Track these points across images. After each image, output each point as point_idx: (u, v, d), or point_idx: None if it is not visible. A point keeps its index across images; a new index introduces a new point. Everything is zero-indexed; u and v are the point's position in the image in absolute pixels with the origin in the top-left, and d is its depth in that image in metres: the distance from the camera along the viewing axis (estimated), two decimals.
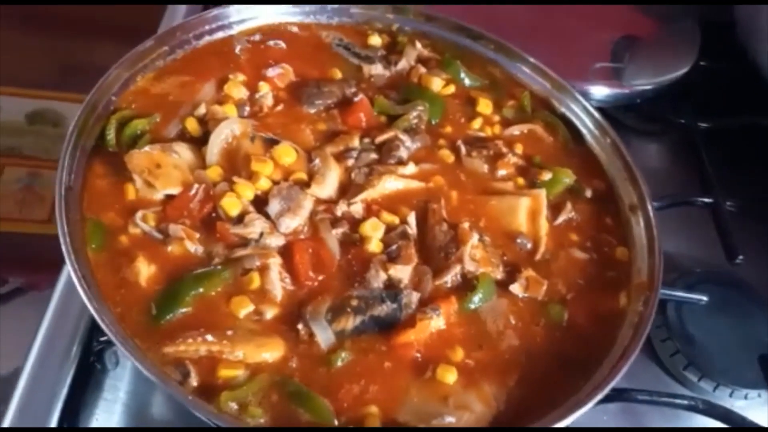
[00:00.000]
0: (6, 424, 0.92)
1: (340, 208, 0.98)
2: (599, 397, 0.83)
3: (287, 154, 0.99)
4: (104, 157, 0.97)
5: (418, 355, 0.88)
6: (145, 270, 0.87)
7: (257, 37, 1.18)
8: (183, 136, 1.02)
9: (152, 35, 1.08)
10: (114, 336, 0.76)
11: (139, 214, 0.91)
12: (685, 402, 1.05)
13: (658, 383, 1.14)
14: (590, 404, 0.82)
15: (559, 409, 0.84)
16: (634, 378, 1.08)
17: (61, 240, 0.82)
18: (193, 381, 0.80)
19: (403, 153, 1.07)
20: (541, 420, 0.82)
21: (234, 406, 0.78)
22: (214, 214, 0.94)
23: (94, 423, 0.97)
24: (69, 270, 0.80)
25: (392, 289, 0.91)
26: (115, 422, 0.97)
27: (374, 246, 0.95)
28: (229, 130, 1.00)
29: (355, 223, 0.97)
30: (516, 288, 0.95)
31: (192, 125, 1.02)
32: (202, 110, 1.04)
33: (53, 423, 0.93)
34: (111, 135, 0.98)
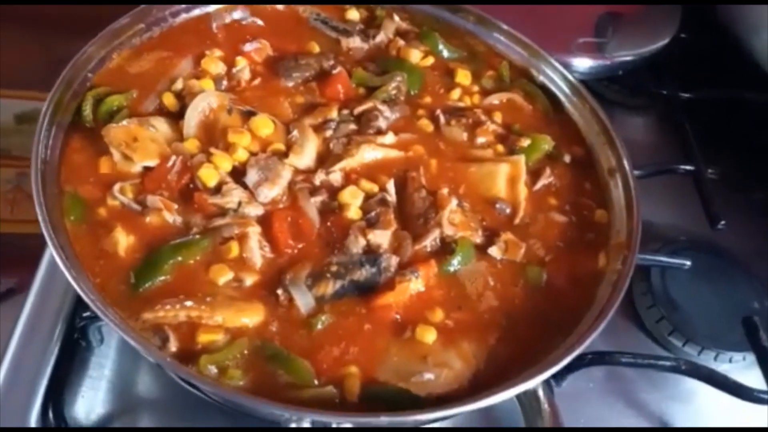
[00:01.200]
0: None
1: (319, 177, 0.98)
2: (577, 352, 0.83)
3: (264, 125, 1.00)
4: (81, 132, 0.98)
5: (398, 316, 0.88)
6: (123, 240, 0.87)
7: (235, 15, 1.18)
8: (161, 111, 1.02)
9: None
10: (93, 304, 0.76)
11: (117, 186, 0.91)
12: (668, 363, 1.06)
13: (645, 349, 1.15)
14: (568, 359, 0.83)
15: (537, 365, 0.84)
16: (620, 345, 1.09)
17: (38, 211, 0.82)
18: (172, 346, 0.80)
19: (381, 123, 1.07)
20: (519, 376, 0.82)
21: (213, 369, 0.79)
22: (191, 185, 0.94)
23: (80, 400, 0.98)
24: (47, 240, 0.80)
25: (371, 254, 0.92)
26: (100, 399, 0.98)
27: (353, 213, 0.95)
28: (206, 103, 1.00)
29: (333, 192, 0.97)
30: (494, 251, 0.96)
31: (169, 100, 1.02)
32: (179, 85, 1.04)
33: (38, 400, 0.94)
34: (87, 110, 0.98)
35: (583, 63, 1.39)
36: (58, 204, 0.87)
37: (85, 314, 0.97)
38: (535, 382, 0.81)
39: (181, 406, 0.97)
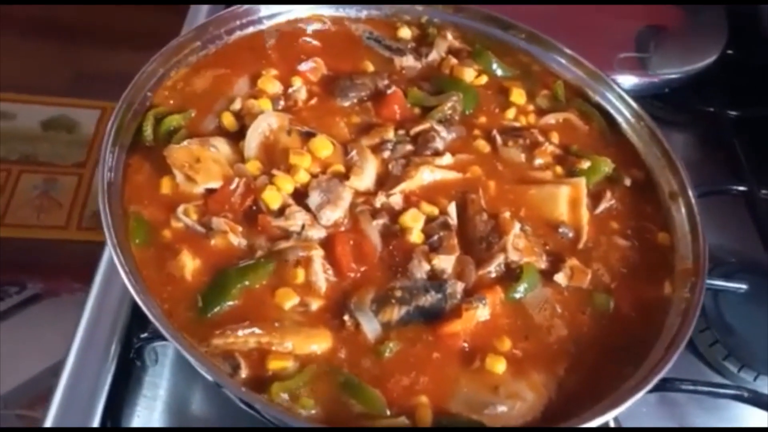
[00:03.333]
0: (48, 424, 0.91)
1: (379, 200, 0.97)
2: (652, 383, 0.82)
3: (324, 146, 0.99)
4: (142, 153, 0.97)
5: (465, 345, 0.87)
6: (190, 263, 0.86)
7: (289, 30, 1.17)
8: (219, 131, 1.01)
9: (168, 41, 1.06)
10: (164, 329, 0.75)
11: (181, 208, 0.90)
12: (730, 392, 1.04)
13: (697, 373, 1.12)
14: (643, 391, 0.81)
15: (609, 398, 0.82)
16: (672, 369, 1.07)
17: (106, 234, 0.81)
18: (243, 373, 0.79)
19: (438, 144, 1.06)
20: (591, 408, 0.81)
21: (285, 397, 0.78)
22: (254, 207, 0.93)
23: (136, 420, 0.97)
24: (117, 265, 0.80)
25: (436, 279, 0.90)
26: (156, 419, 0.97)
27: (415, 237, 0.94)
28: (266, 124, 1.00)
29: (394, 215, 0.96)
30: (560, 278, 0.94)
31: (228, 120, 1.01)
32: (237, 105, 1.03)
33: (96, 422, 0.93)
34: (148, 130, 0.97)
35: (627, 80, 1.37)
36: (123, 227, 0.87)
37: (142, 335, 0.96)
38: (610, 416, 0.80)
39: (236, 426, 0.96)
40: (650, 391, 1.00)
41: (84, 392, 0.94)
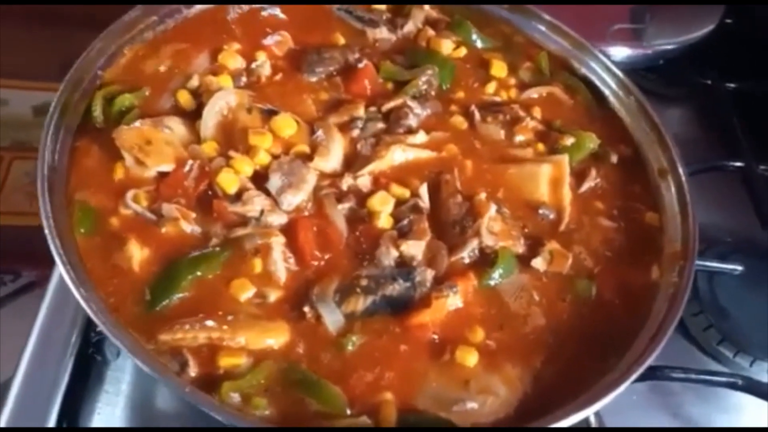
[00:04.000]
0: (2, 423, 0.86)
1: (346, 182, 0.91)
2: (634, 376, 0.76)
3: (287, 125, 0.92)
4: (91, 135, 0.91)
5: (435, 336, 0.81)
6: (137, 253, 0.81)
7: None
8: (176, 111, 0.95)
9: None
10: (104, 325, 0.70)
11: (130, 193, 0.84)
12: (724, 379, 0.98)
13: (691, 360, 1.07)
14: (625, 384, 0.76)
15: (591, 391, 0.77)
16: (663, 355, 1.00)
17: (45, 225, 0.76)
18: (192, 371, 0.74)
19: (412, 121, 0.99)
20: (572, 402, 0.75)
21: (237, 397, 0.72)
22: (210, 192, 0.87)
23: (96, 417, 0.92)
24: (55, 258, 0.74)
25: (404, 266, 0.84)
26: (118, 415, 0.92)
27: (384, 221, 0.88)
28: (224, 102, 0.93)
29: (362, 198, 0.90)
30: (539, 262, 0.88)
31: (184, 98, 0.95)
32: (195, 82, 0.97)
33: (52, 420, 0.88)
34: (97, 111, 0.91)
35: (620, 52, 1.30)
36: (67, 215, 0.81)
37: (98, 328, 0.91)
38: (590, 411, 0.74)
39: (204, 423, 0.91)
40: (639, 380, 0.95)
41: (41, 389, 0.90)
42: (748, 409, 1.03)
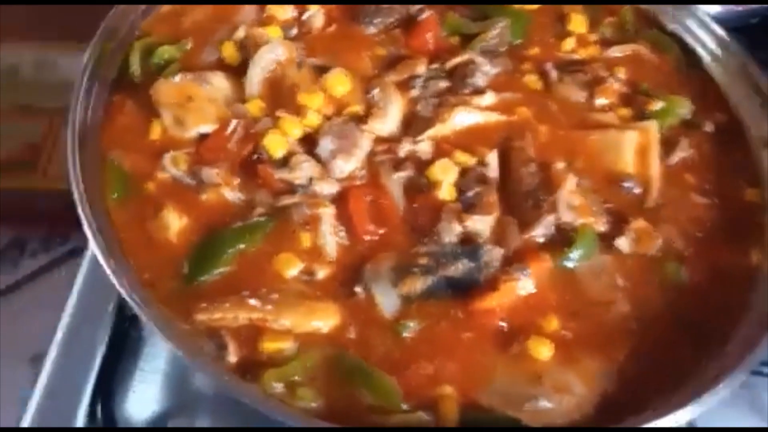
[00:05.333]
0: (36, 398, 0.82)
1: (404, 148, 0.81)
2: (739, 380, 0.65)
3: (340, 82, 0.83)
4: (127, 90, 0.83)
5: (503, 324, 0.72)
6: (175, 223, 0.73)
7: None
8: (220, 65, 0.87)
9: None
10: (134, 302, 0.63)
11: (168, 156, 0.77)
12: None
13: None
14: (726, 389, 0.65)
15: (682, 391, 0.67)
16: None
17: (74, 189, 0.69)
18: (231, 356, 0.66)
19: (479, 80, 0.89)
20: (662, 405, 0.65)
21: (280, 387, 0.64)
22: (255, 156, 0.79)
23: (131, 396, 0.86)
24: (83, 225, 0.67)
25: (469, 244, 0.75)
26: (153, 395, 0.86)
27: (446, 192, 0.78)
28: (272, 56, 0.84)
29: (421, 165, 0.80)
30: (623, 243, 0.77)
31: (229, 51, 0.86)
32: (241, 33, 0.88)
33: (86, 397, 0.82)
34: (135, 64, 0.84)
35: (709, 9, 1.15)
36: (99, 178, 0.74)
37: None
38: (685, 415, 0.64)
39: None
40: None
41: (74, 367, 0.84)
42: None
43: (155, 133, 0.80)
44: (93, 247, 0.65)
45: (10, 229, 1.25)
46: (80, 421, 0.81)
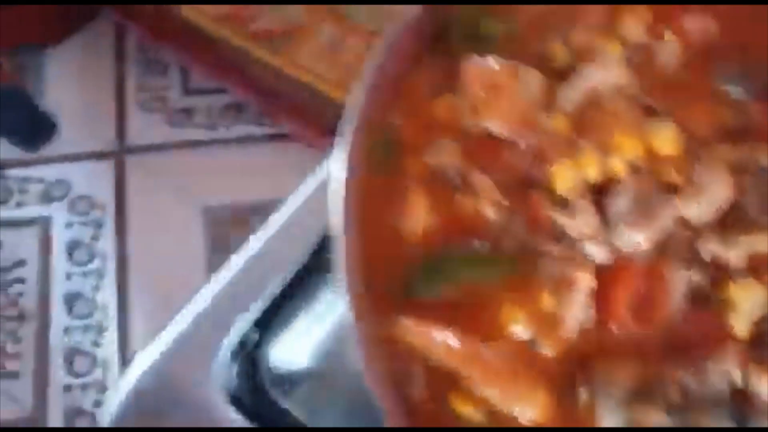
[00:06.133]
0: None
1: (711, 247, 0.65)
2: None
3: (669, 139, 0.68)
4: (438, 52, 0.74)
5: None
6: (423, 217, 0.65)
7: None
8: (538, 62, 0.74)
9: None
10: (350, 301, 0.56)
11: (446, 142, 0.68)
12: None
13: None
14: None
15: None
16: None
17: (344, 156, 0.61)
18: (417, 390, 0.58)
19: None
20: None
21: None
22: (531, 179, 0.67)
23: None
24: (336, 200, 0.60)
25: (744, 402, 0.58)
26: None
27: (740, 325, 0.61)
28: (600, 75, 0.71)
29: (721, 277, 0.63)
30: None
31: (557, 50, 0.74)
32: (576, 35, 0.75)
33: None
34: (458, 32, 0.74)
35: None
36: (365, 136, 0.66)
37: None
38: None
39: None
40: None
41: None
42: None
43: (440, 109, 0.70)
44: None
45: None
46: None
